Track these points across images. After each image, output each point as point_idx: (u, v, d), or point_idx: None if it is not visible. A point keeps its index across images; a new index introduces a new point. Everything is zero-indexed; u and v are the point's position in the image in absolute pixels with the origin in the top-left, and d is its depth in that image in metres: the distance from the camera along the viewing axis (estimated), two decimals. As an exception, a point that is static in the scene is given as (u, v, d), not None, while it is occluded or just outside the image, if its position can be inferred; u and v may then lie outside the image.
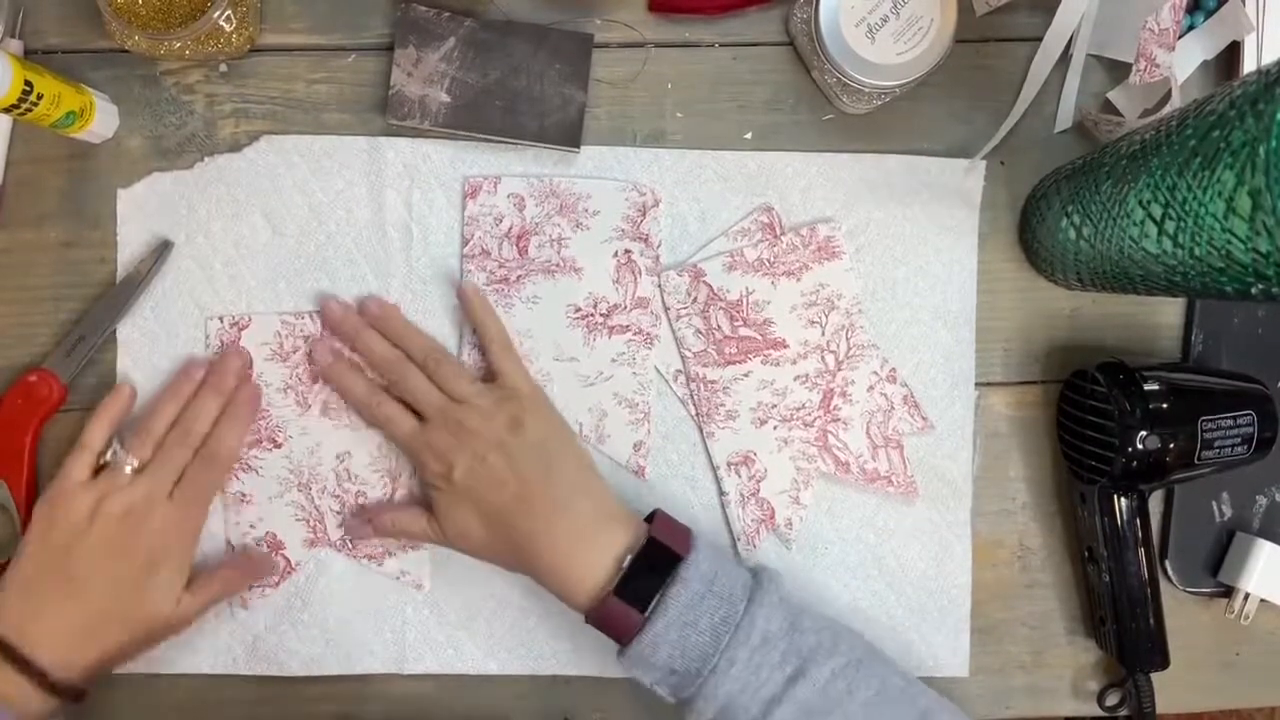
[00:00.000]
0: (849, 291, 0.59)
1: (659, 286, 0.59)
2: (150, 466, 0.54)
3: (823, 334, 0.59)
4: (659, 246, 0.59)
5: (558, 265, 0.59)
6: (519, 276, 0.59)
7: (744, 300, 0.59)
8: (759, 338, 0.59)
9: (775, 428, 0.59)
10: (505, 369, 0.56)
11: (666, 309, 0.59)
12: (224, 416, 0.56)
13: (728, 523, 0.59)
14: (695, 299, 0.59)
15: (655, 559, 0.49)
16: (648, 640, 0.47)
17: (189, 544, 0.54)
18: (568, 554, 0.50)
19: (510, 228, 0.59)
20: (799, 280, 0.59)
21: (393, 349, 0.56)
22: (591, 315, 0.59)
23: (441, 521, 0.53)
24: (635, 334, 0.59)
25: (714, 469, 0.59)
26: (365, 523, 0.56)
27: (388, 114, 0.58)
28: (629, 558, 0.49)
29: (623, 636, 0.49)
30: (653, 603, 0.48)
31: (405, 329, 0.57)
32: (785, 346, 0.59)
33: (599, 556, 0.50)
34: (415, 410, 0.55)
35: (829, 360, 0.59)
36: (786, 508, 0.59)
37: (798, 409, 0.59)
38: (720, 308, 0.59)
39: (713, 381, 0.59)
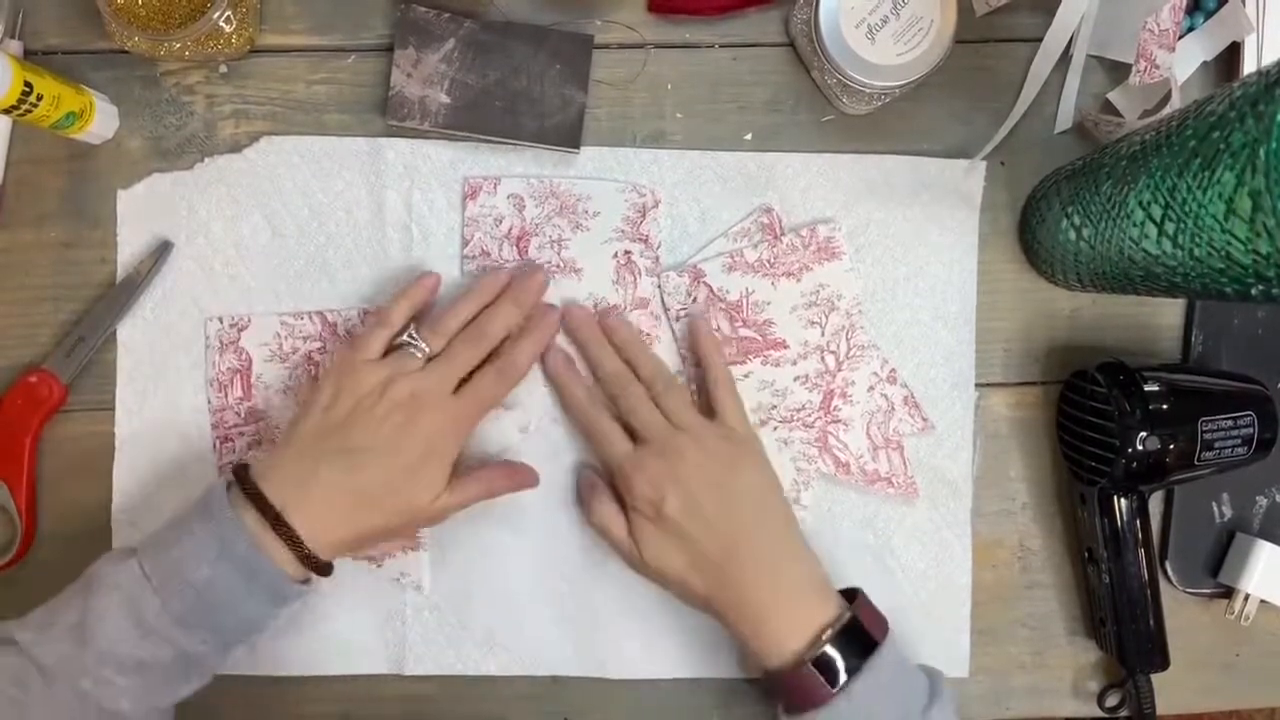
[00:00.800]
0: (849, 292, 0.59)
1: (659, 287, 0.59)
2: (440, 359, 0.53)
3: (823, 334, 0.59)
4: (659, 247, 0.59)
5: (558, 266, 0.59)
6: None
7: (744, 301, 0.59)
8: (759, 338, 0.59)
9: (775, 429, 0.59)
10: (728, 408, 0.56)
11: (666, 309, 0.59)
12: (525, 331, 0.56)
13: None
14: (695, 299, 0.59)
15: (853, 638, 0.49)
16: (826, 715, 0.48)
17: (459, 443, 0.53)
18: (774, 614, 0.50)
19: (510, 229, 0.58)
20: (799, 281, 0.59)
21: (623, 365, 0.56)
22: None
23: (641, 547, 0.53)
24: None
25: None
26: (590, 485, 0.57)
27: (387, 115, 0.58)
28: (829, 632, 0.49)
29: (803, 705, 0.48)
30: (842, 681, 0.48)
31: (637, 347, 0.57)
32: (785, 347, 0.59)
33: (802, 625, 0.49)
34: (630, 431, 0.55)
35: (829, 361, 0.59)
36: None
37: (798, 410, 0.59)
38: (720, 308, 0.59)
39: None
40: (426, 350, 0.53)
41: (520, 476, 0.57)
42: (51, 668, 0.45)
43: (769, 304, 0.59)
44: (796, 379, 0.59)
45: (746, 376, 0.59)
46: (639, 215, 0.59)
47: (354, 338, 0.54)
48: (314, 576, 0.50)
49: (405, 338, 0.53)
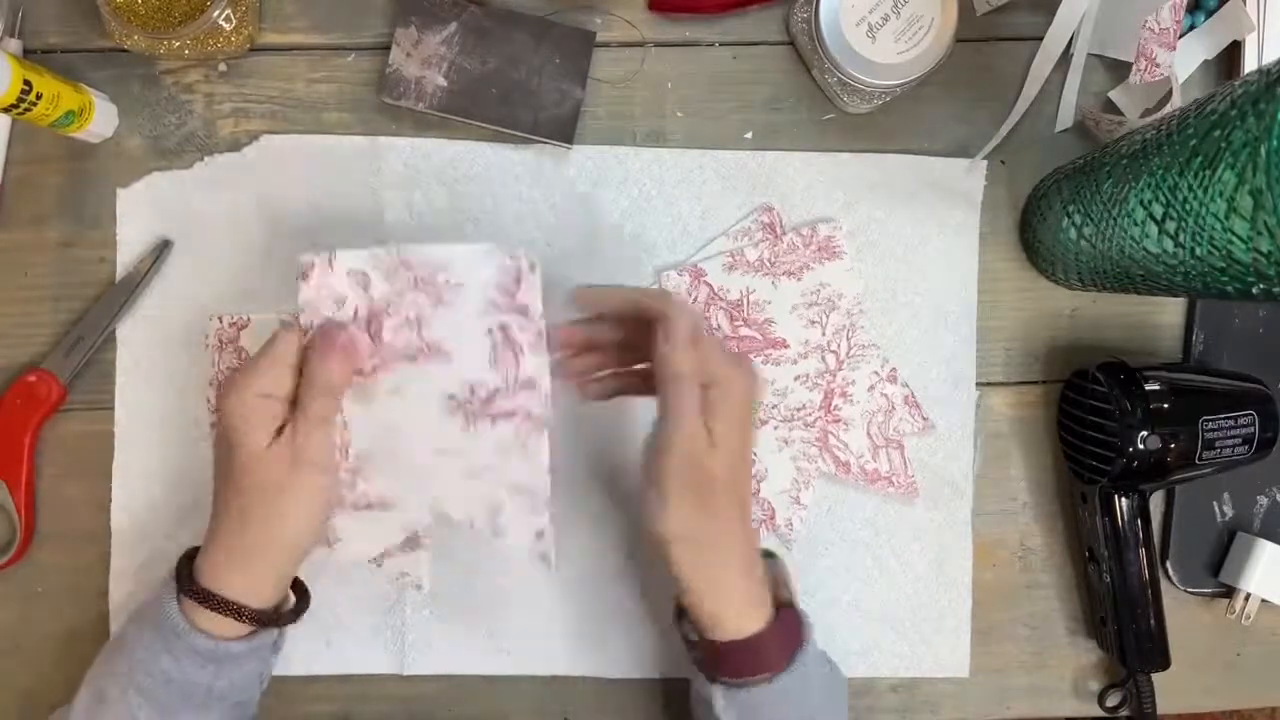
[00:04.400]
0: (850, 291, 0.59)
1: (658, 286, 0.58)
2: None
3: (823, 334, 0.59)
4: (541, 318, 0.48)
5: (421, 349, 0.48)
6: (374, 367, 0.49)
7: (744, 300, 0.59)
8: (759, 337, 0.59)
9: (775, 428, 0.59)
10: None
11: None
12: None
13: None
14: (695, 299, 0.59)
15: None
16: (801, 663, 0.49)
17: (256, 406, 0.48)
18: (747, 578, 0.49)
19: (355, 310, 0.49)
20: (800, 280, 0.59)
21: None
22: (469, 403, 0.48)
23: (715, 427, 0.47)
24: (524, 419, 0.48)
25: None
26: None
27: (382, 92, 0.57)
28: (781, 597, 0.51)
29: (767, 665, 0.48)
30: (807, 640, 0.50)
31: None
32: (785, 346, 0.59)
33: (762, 592, 0.50)
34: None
35: (829, 360, 0.59)
36: (787, 508, 0.59)
37: (798, 409, 0.59)
38: (720, 308, 0.59)
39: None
40: None
41: (337, 348, 0.47)
42: None
43: (769, 303, 0.59)
44: (797, 378, 0.59)
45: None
46: (513, 283, 0.48)
47: None
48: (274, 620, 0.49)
49: None
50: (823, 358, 0.59)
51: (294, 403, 0.47)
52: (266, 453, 0.46)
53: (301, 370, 0.47)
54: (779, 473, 0.59)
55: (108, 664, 0.49)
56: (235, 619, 0.47)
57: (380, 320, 0.49)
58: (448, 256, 0.48)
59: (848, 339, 0.59)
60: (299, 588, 0.52)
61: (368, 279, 0.49)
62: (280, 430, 0.47)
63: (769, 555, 0.53)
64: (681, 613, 0.51)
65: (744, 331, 0.59)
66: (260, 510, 0.47)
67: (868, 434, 0.59)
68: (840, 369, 0.59)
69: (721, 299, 0.59)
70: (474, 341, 0.49)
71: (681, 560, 0.48)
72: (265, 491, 0.46)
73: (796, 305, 0.59)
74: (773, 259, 0.59)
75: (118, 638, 0.50)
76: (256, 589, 0.48)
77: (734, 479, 0.48)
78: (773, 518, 0.59)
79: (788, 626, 0.50)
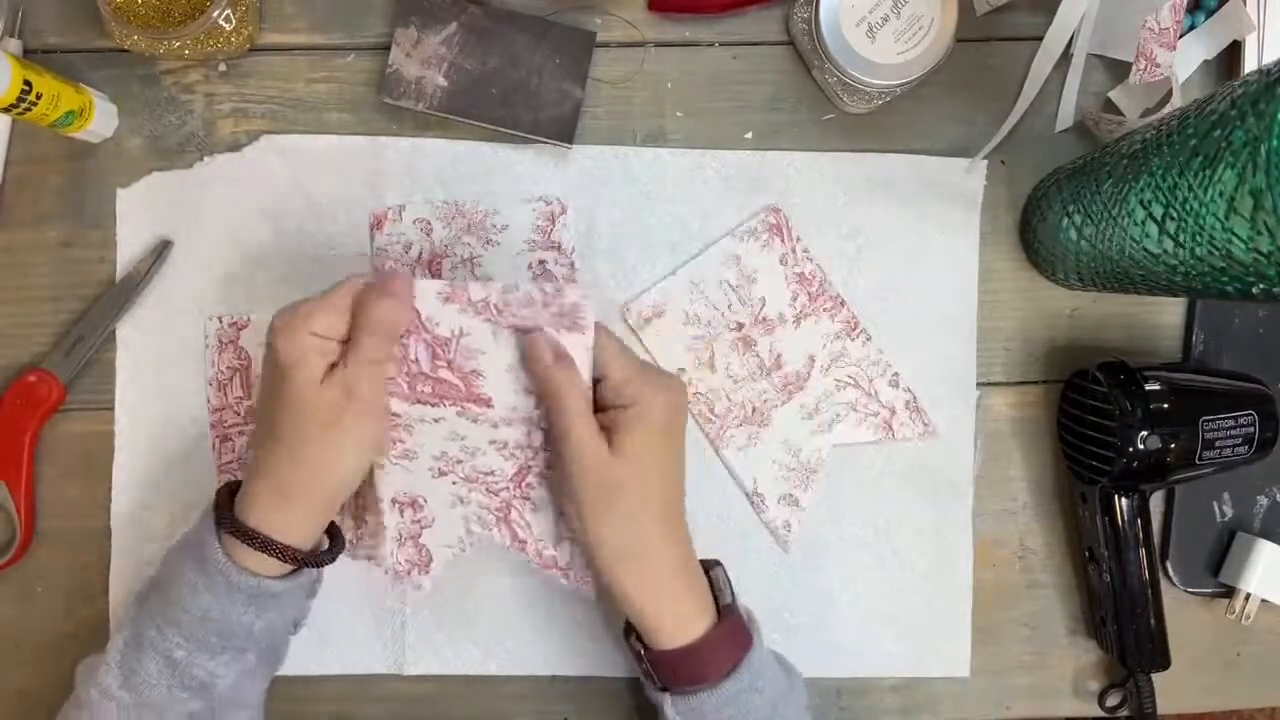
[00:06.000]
0: (582, 369, 0.49)
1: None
2: None
3: (537, 407, 0.50)
4: (573, 253, 0.58)
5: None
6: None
7: (453, 340, 0.49)
8: (461, 387, 0.50)
9: (455, 483, 0.53)
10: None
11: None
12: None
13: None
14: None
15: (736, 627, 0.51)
16: (747, 668, 0.49)
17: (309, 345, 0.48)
18: (687, 589, 0.50)
19: (420, 253, 0.58)
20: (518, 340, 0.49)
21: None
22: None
23: (619, 445, 0.48)
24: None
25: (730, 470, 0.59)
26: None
27: (382, 92, 0.57)
28: (723, 604, 0.51)
29: (714, 672, 0.49)
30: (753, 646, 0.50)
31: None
32: (489, 406, 0.50)
33: (703, 601, 0.50)
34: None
35: (535, 438, 0.51)
36: (787, 509, 0.59)
37: (487, 473, 0.53)
38: (423, 340, 0.49)
39: (395, 414, 0.51)
40: None
41: (390, 290, 0.47)
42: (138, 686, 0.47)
43: (483, 353, 0.49)
44: (493, 442, 0.51)
45: (437, 421, 0.51)
46: (548, 223, 0.58)
47: None
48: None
49: None
50: (528, 433, 0.51)
51: (346, 344, 0.47)
52: (319, 388, 0.46)
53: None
54: (446, 527, 0.54)
55: (144, 605, 0.49)
56: (279, 558, 0.47)
57: (440, 261, 0.57)
58: (495, 203, 0.58)
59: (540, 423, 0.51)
60: (332, 531, 0.53)
61: (429, 225, 0.58)
62: (332, 369, 0.47)
63: (713, 564, 0.53)
64: (629, 625, 0.52)
65: (443, 374, 0.50)
66: (307, 449, 0.47)
67: (555, 523, 0.53)
68: (541, 451, 0.52)
69: (427, 330, 0.49)
70: (518, 276, 0.57)
71: (610, 570, 0.49)
72: (315, 428, 0.46)
73: (513, 366, 0.49)
74: (501, 305, 0.49)
75: (152, 580, 0.50)
76: (299, 528, 0.48)
77: (646, 489, 0.48)
78: (427, 566, 0.55)
79: (731, 631, 0.50)
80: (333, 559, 0.51)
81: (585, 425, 0.48)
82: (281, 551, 0.47)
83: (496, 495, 0.53)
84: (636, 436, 0.48)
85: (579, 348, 0.49)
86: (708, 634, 0.49)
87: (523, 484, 0.53)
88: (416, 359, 0.50)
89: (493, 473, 0.52)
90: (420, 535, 0.54)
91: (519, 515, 0.53)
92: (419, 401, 0.51)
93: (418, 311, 0.49)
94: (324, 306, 0.47)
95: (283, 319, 0.47)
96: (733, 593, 0.52)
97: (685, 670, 0.49)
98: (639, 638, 0.51)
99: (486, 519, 0.53)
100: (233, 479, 0.52)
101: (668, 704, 0.49)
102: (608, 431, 0.48)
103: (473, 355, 0.49)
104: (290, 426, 0.46)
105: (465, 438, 0.51)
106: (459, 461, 0.52)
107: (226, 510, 0.48)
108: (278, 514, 0.47)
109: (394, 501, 0.53)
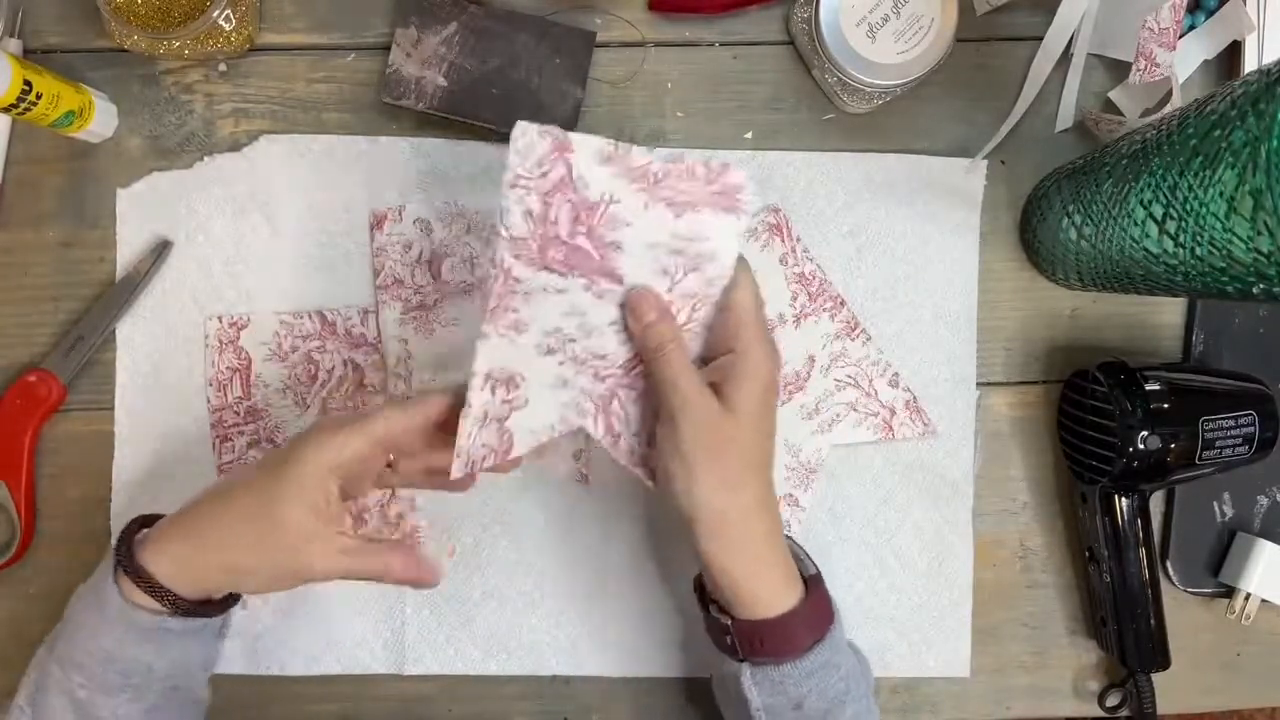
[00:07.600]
0: (725, 259, 0.47)
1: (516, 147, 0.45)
2: None
3: (667, 292, 0.48)
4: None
5: (473, 284, 0.58)
6: (435, 301, 0.58)
7: (601, 206, 0.46)
8: (595, 257, 0.46)
9: (561, 362, 0.49)
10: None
11: (507, 170, 0.45)
12: None
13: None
14: (546, 173, 0.45)
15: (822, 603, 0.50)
16: (827, 645, 0.48)
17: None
18: (780, 555, 0.48)
19: (420, 253, 0.58)
20: (677, 217, 0.46)
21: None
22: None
23: (738, 404, 0.46)
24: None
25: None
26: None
27: (382, 92, 0.57)
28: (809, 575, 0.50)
29: (788, 647, 0.47)
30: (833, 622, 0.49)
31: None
32: (620, 283, 0.47)
33: (791, 571, 0.48)
34: None
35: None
36: (787, 509, 0.59)
37: (599, 355, 0.49)
38: (567, 200, 0.45)
39: (516, 279, 0.46)
40: None
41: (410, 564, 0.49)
42: None
43: (628, 225, 0.46)
44: (613, 324, 0.48)
45: (560, 293, 0.47)
46: None
47: None
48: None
49: None
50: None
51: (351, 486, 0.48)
52: (310, 509, 0.46)
53: (392, 465, 0.49)
54: (538, 410, 0.49)
55: (50, 647, 0.48)
56: (169, 606, 0.46)
57: (440, 262, 0.57)
58: (493, 204, 0.54)
59: (691, 311, 0.48)
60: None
61: (429, 226, 0.58)
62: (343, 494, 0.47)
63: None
64: (702, 589, 0.50)
65: (580, 240, 0.46)
66: (245, 542, 0.46)
67: (651, 421, 0.51)
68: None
69: (573, 190, 0.45)
70: None
71: (714, 535, 0.46)
72: (267, 525, 0.46)
73: (656, 244, 0.47)
74: (660, 175, 0.45)
75: (61, 621, 0.49)
76: (194, 583, 0.47)
77: (756, 448, 0.47)
78: (506, 452, 0.50)
79: (819, 603, 0.49)
80: (224, 610, 0.50)
81: (692, 380, 0.45)
82: (173, 600, 0.46)
83: (603, 382, 0.49)
84: (749, 392, 0.45)
85: (729, 233, 0.46)
86: (798, 605, 0.47)
87: (632, 372, 0.49)
88: (556, 220, 0.45)
89: (605, 356, 0.48)
90: (508, 417, 0.49)
91: (620, 406, 0.50)
92: (545, 268, 0.46)
93: (569, 168, 0.44)
94: (359, 441, 0.46)
95: (321, 430, 0.47)
96: (814, 563, 0.51)
97: (772, 642, 0.47)
98: (720, 607, 0.48)
99: (585, 407, 0.49)
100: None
101: (746, 674, 0.48)
102: (714, 385, 0.46)
103: (617, 226, 0.46)
104: (254, 504, 0.46)
105: (585, 314, 0.47)
106: (571, 340, 0.48)
107: (127, 545, 0.47)
108: (179, 564, 0.46)
109: (488, 377, 0.48)
